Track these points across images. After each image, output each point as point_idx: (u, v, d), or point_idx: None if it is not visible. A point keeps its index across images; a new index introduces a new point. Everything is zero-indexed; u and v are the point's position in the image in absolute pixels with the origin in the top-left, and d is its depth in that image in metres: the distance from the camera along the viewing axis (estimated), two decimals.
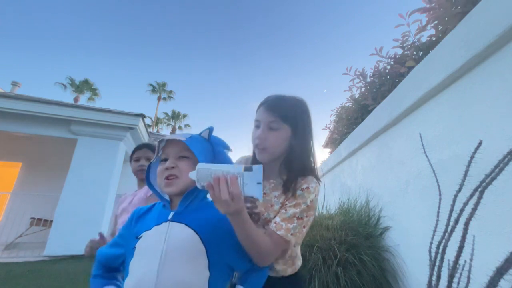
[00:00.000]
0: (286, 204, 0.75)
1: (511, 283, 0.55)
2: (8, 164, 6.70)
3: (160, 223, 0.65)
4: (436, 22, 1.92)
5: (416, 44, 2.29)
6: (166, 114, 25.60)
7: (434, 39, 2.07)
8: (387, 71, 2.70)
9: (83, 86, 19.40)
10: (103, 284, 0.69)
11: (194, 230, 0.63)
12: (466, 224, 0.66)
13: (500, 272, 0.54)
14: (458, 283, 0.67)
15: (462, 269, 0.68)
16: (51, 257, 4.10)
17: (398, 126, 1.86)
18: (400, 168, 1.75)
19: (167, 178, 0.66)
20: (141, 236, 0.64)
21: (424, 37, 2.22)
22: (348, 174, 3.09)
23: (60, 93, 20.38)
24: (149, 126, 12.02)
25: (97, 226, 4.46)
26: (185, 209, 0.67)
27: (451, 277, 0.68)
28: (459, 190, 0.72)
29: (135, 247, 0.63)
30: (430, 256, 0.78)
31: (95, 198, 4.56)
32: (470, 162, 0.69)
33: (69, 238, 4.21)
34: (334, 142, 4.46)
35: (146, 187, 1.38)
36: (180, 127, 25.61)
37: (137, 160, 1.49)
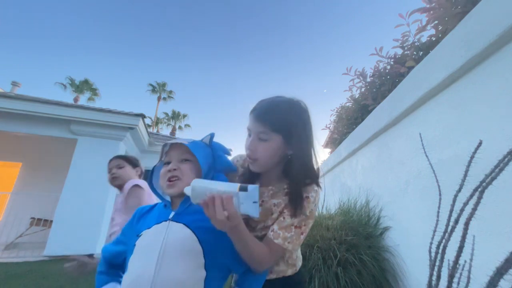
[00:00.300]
0: (284, 212, 0.73)
1: (511, 283, 0.55)
2: (8, 164, 6.70)
3: (160, 222, 0.66)
4: (436, 22, 1.92)
5: (416, 44, 2.29)
6: (166, 114, 25.60)
7: (434, 39, 2.07)
8: (387, 71, 2.71)
9: (83, 86, 19.39)
10: (107, 281, 0.71)
11: (192, 231, 0.64)
12: (466, 224, 0.66)
13: (500, 272, 0.54)
14: (458, 283, 0.67)
15: (462, 269, 0.68)
16: (51, 257, 4.10)
17: (398, 126, 1.86)
18: (400, 168, 1.75)
19: (169, 179, 0.69)
20: (142, 234, 0.66)
21: (424, 37, 2.22)
22: (348, 174, 3.09)
23: (60, 93, 20.36)
24: (149, 126, 12.02)
25: (97, 226, 4.46)
26: (185, 209, 0.69)
27: (451, 277, 0.68)
28: (459, 190, 0.72)
29: (135, 245, 0.65)
30: (430, 256, 0.78)
31: (95, 198, 4.56)
32: (470, 162, 0.69)
33: (69, 238, 4.21)
34: (334, 142, 4.46)
35: (125, 190, 1.48)
36: (180, 127, 25.60)
37: (109, 170, 1.67)
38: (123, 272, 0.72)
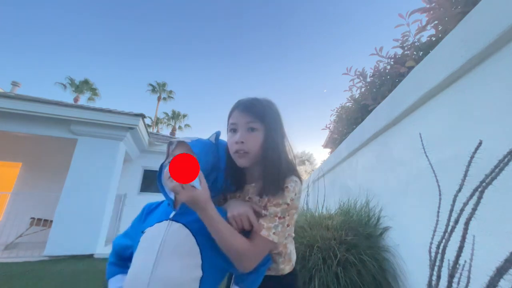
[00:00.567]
0: (267, 205, 0.74)
1: (511, 283, 0.55)
2: (8, 164, 6.70)
3: (162, 221, 0.69)
4: (436, 22, 1.92)
5: (416, 44, 2.29)
6: (166, 114, 25.59)
7: (434, 39, 2.07)
8: (387, 71, 2.71)
9: (83, 86, 19.38)
10: (116, 272, 0.76)
11: (190, 231, 0.66)
12: (466, 224, 0.66)
13: (500, 272, 0.54)
14: (458, 283, 0.67)
15: (462, 269, 0.68)
16: (51, 257, 4.10)
17: (398, 126, 1.86)
18: (400, 168, 1.75)
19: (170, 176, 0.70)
20: (145, 231, 0.69)
21: (424, 37, 2.22)
22: (348, 174, 3.09)
23: (60, 93, 20.35)
24: (149, 126, 12.03)
25: (97, 226, 4.46)
26: (186, 209, 0.70)
27: (451, 277, 0.68)
28: (459, 190, 0.72)
29: (139, 241, 0.68)
30: (430, 256, 0.78)
31: (95, 198, 4.56)
32: (470, 162, 0.69)
33: (69, 238, 4.22)
34: (334, 142, 4.47)
35: None
36: (180, 127, 25.59)
37: None
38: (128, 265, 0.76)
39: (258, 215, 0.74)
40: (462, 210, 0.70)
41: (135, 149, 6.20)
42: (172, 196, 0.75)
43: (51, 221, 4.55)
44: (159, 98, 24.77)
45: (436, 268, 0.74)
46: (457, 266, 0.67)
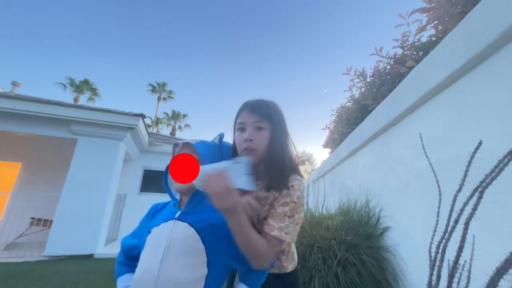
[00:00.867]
0: (274, 204, 0.75)
1: (511, 283, 0.55)
2: (8, 164, 6.70)
3: (168, 221, 0.71)
4: (436, 22, 1.92)
5: (416, 44, 2.29)
6: (166, 114, 25.59)
7: (434, 39, 2.07)
8: (387, 71, 2.71)
9: (83, 86, 19.37)
10: (124, 271, 0.78)
11: (196, 230, 0.67)
12: (466, 224, 0.66)
13: (500, 272, 0.54)
14: (458, 283, 0.67)
15: (462, 269, 0.68)
16: (51, 257, 4.10)
17: (398, 126, 1.86)
18: (400, 168, 1.75)
19: None
20: (152, 231, 0.71)
21: (424, 37, 2.22)
22: (348, 174, 3.09)
23: (60, 93, 20.34)
24: (149, 126, 12.03)
25: (97, 226, 4.46)
26: (191, 209, 0.72)
27: (451, 277, 0.68)
28: (459, 190, 0.72)
29: (146, 241, 0.70)
30: (430, 256, 0.78)
31: (95, 198, 4.56)
32: (470, 162, 0.69)
33: (69, 238, 4.22)
34: (334, 142, 4.47)
35: None
36: (180, 127, 25.59)
37: None
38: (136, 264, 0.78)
39: (258, 202, 0.76)
40: (462, 210, 0.70)
41: (135, 149, 6.20)
42: (177, 196, 0.77)
43: (51, 221, 4.55)
44: (159, 98, 24.77)
45: (436, 268, 0.74)
46: (457, 266, 0.67)
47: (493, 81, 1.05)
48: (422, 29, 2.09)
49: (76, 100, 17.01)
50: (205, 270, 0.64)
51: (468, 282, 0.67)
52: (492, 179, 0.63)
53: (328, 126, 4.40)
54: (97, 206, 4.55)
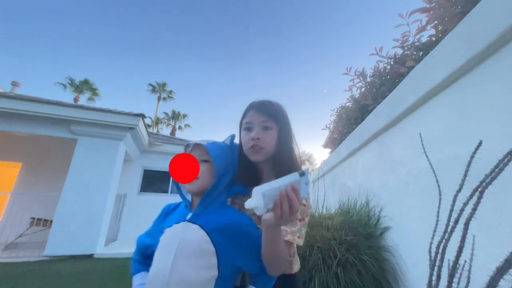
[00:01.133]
0: None
1: (511, 283, 0.55)
2: (8, 164, 6.70)
3: (179, 222, 0.71)
4: (436, 22, 1.92)
5: (416, 44, 2.29)
6: (166, 114, 25.58)
7: (434, 39, 2.07)
8: (387, 71, 2.71)
9: (83, 86, 19.37)
10: (140, 269, 0.79)
11: (206, 232, 0.68)
12: (466, 224, 0.66)
13: (500, 272, 0.54)
14: (458, 283, 0.67)
15: (462, 269, 0.68)
16: (51, 257, 4.10)
17: (398, 126, 1.86)
18: (400, 168, 1.75)
19: None
20: (165, 232, 0.72)
21: (424, 37, 2.22)
22: (348, 174, 3.09)
23: (60, 93, 20.30)
24: (149, 126, 12.03)
25: (97, 226, 4.46)
26: (202, 211, 0.72)
27: (451, 277, 0.68)
28: (459, 190, 0.72)
29: (159, 241, 0.71)
30: (430, 256, 0.78)
31: (95, 198, 4.56)
32: (470, 162, 0.69)
33: (69, 238, 4.21)
34: (334, 142, 4.47)
35: None
36: (180, 127, 25.58)
37: None
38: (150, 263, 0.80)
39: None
40: (462, 210, 0.69)
41: (135, 149, 6.20)
42: (189, 197, 0.78)
43: (51, 221, 4.55)
44: (159, 98, 24.77)
45: (436, 268, 0.74)
46: (457, 266, 0.67)
47: (493, 81, 1.05)
48: (422, 29, 2.09)
49: (76, 100, 17.02)
50: (215, 272, 0.64)
51: (468, 282, 0.67)
52: (492, 179, 0.63)
53: (328, 126, 4.40)
54: (97, 206, 4.55)
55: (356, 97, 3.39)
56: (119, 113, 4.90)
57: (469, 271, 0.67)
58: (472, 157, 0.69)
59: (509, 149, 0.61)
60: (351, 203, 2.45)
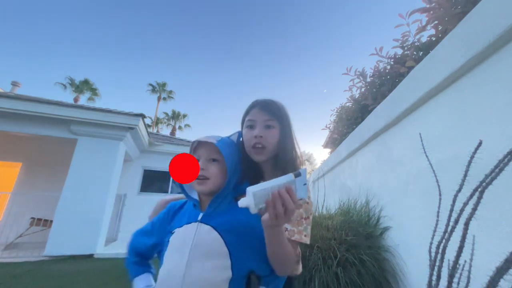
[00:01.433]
0: None
1: (511, 283, 0.55)
2: (8, 164, 6.70)
3: (190, 223, 0.70)
4: (436, 22, 1.92)
5: (416, 44, 2.29)
6: (166, 114, 25.59)
7: (434, 39, 2.07)
8: (387, 71, 2.71)
9: (83, 86, 19.38)
10: (141, 271, 0.77)
11: (219, 233, 0.67)
12: (466, 224, 0.66)
13: (500, 272, 0.54)
14: (458, 283, 0.67)
15: (462, 269, 0.68)
16: (51, 257, 4.10)
17: (398, 126, 1.86)
18: (400, 168, 1.75)
19: (198, 178, 0.72)
20: (174, 232, 0.71)
21: (424, 37, 2.22)
22: (348, 174, 3.09)
23: (60, 93, 20.33)
24: (149, 126, 12.03)
25: (97, 226, 4.46)
26: (213, 211, 0.71)
27: (451, 277, 0.68)
28: (459, 190, 0.72)
29: (169, 241, 0.70)
30: (430, 256, 0.78)
31: (95, 198, 4.56)
32: (470, 162, 0.69)
33: (69, 238, 4.22)
34: (334, 142, 4.47)
35: None
36: (180, 127, 25.58)
37: None
38: (152, 263, 0.80)
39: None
40: (462, 210, 0.69)
41: (135, 149, 6.20)
42: (195, 195, 0.76)
43: (51, 221, 4.55)
44: (159, 98, 24.77)
45: (436, 268, 0.74)
46: (457, 266, 0.67)
47: (493, 81, 1.05)
48: (422, 29, 2.09)
49: (76, 100, 17.03)
50: (229, 273, 0.64)
51: (468, 282, 0.67)
52: (492, 179, 0.63)
53: (328, 126, 4.40)
54: (97, 206, 4.55)
55: (356, 97, 3.39)
56: (119, 113, 4.90)
57: (469, 271, 0.67)
58: (472, 157, 0.69)
59: (509, 149, 0.61)
60: (351, 203, 2.45)
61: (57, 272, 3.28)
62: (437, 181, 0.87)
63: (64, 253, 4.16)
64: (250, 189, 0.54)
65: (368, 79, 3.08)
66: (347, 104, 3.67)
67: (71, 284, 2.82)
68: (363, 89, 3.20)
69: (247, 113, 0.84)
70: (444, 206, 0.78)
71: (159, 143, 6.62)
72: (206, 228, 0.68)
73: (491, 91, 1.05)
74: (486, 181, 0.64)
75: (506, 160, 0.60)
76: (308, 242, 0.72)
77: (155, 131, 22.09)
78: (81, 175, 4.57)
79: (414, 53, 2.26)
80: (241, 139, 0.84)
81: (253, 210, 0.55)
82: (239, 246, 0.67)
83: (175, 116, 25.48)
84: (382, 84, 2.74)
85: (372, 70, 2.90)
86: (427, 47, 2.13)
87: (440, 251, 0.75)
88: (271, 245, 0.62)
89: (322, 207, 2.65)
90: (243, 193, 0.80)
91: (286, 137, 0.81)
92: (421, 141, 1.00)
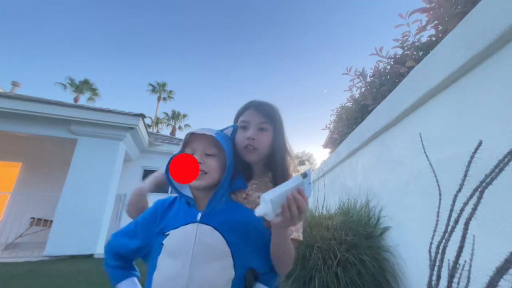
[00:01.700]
0: None
1: (511, 283, 0.55)
2: (8, 164, 6.70)
3: (188, 223, 0.66)
4: (436, 22, 1.92)
5: (416, 44, 2.29)
6: (166, 114, 25.60)
7: (434, 39, 2.07)
8: (387, 71, 2.71)
9: (83, 86, 19.39)
10: (125, 276, 0.70)
11: (221, 233, 0.65)
12: (466, 224, 0.66)
13: (500, 272, 0.54)
14: (458, 283, 0.67)
15: (462, 269, 0.68)
16: (51, 257, 4.10)
17: (398, 126, 1.86)
18: (400, 168, 1.75)
19: None
20: (168, 234, 0.66)
21: (424, 37, 2.22)
22: (348, 174, 3.09)
23: (60, 93, 20.34)
24: (149, 126, 12.02)
25: (97, 226, 4.46)
26: (212, 210, 0.69)
27: (451, 277, 0.68)
28: (459, 190, 0.72)
29: (162, 243, 0.65)
30: (430, 256, 0.78)
31: (95, 198, 4.56)
32: (470, 162, 0.69)
33: (69, 238, 4.22)
34: (334, 142, 4.47)
35: None
36: (180, 127, 25.59)
37: None
38: (134, 266, 0.75)
39: None
40: (462, 210, 0.69)
41: (135, 149, 6.20)
42: (188, 193, 0.71)
43: (51, 221, 4.55)
44: (159, 98, 24.78)
45: (436, 268, 0.74)
46: (457, 266, 0.67)
47: (493, 81, 1.05)
48: (422, 29, 2.09)
49: (76, 100, 17.03)
50: (232, 273, 0.63)
51: (468, 282, 0.67)
52: (492, 179, 0.63)
53: (328, 126, 4.40)
54: (97, 206, 4.55)
55: (356, 97, 3.39)
56: (119, 113, 4.91)
57: (469, 271, 0.67)
58: (472, 157, 0.69)
59: (509, 149, 0.61)
60: (351, 203, 2.45)
61: (57, 272, 3.28)
62: (437, 181, 0.87)
63: (64, 253, 4.16)
64: (267, 197, 0.54)
65: (368, 79, 3.08)
66: (347, 104, 3.67)
67: (71, 284, 2.82)
68: (363, 89, 3.20)
69: (241, 113, 0.83)
70: (444, 206, 0.78)
71: (159, 143, 6.63)
72: (206, 228, 0.65)
73: (491, 91, 1.05)
74: (486, 181, 0.64)
75: (506, 160, 0.60)
76: (302, 239, 0.73)
77: (155, 131, 22.09)
78: (81, 175, 4.58)
79: (414, 53, 2.26)
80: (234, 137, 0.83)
81: (271, 217, 0.54)
82: (240, 244, 0.66)
83: (175, 116, 25.49)
84: (382, 84, 2.74)
85: (372, 70, 2.90)
86: (427, 47, 2.13)
87: (440, 251, 0.75)
88: (280, 246, 0.63)
89: (322, 207, 2.65)
90: (237, 190, 0.81)
91: (279, 141, 0.81)
92: (421, 141, 1.00)
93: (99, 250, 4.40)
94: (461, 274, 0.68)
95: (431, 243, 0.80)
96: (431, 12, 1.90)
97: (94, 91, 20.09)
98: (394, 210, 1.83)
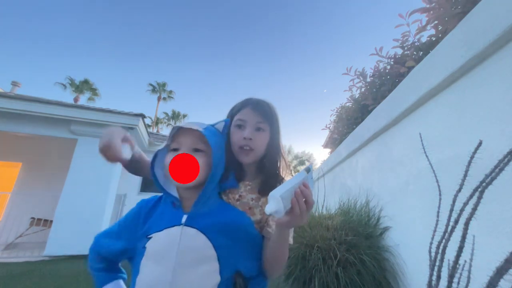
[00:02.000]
0: None
1: (511, 283, 0.55)
2: (8, 164, 6.70)
3: (172, 226, 0.63)
4: (436, 22, 1.92)
5: (416, 44, 2.29)
6: (166, 114, 25.61)
7: (434, 39, 2.07)
8: (387, 71, 2.71)
9: (83, 86, 19.39)
10: (110, 279, 0.68)
11: (207, 236, 0.62)
12: (466, 224, 0.66)
13: (500, 272, 0.54)
14: (458, 283, 0.67)
15: (462, 269, 0.68)
16: (51, 257, 4.10)
17: (398, 126, 1.86)
18: (400, 168, 1.75)
19: None
20: (152, 237, 0.63)
21: (424, 37, 2.22)
22: (348, 174, 3.09)
23: (60, 93, 20.32)
24: (149, 126, 12.01)
25: (97, 226, 4.46)
26: (197, 212, 0.65)
27: (451, 277, 0.68)
28: (459, 190, 0.72)
29: (145, 247, 0.62)
30: (430, 256, 0.78)
31: (95, 198, 4.56)
32: (470, 162, 0.69)
33: (69, 238, 4.21)
34: (334, 142, 4.47)
35: None
36: None
37: None
38: (120, 268, 0.73)
39: None
40: (462, 210, 0.70)
41: None
42: (174, 193, 0.68)
43: (51, 221, 4.55)
44: (159, 98, 24.78)
45: (436, 268, 0.74)
46: (457, 266, 0.67)
47: (493, 81, 1.05)
48: (422, 29, 2.09)
49: (76, 100, 17.03)
50: (218, 278, 0.60)
51: (468, 282, 0.67)
52: (492, 179, 0.63)
53: (328, 126, 4.40)
54: (97, 206, 4.55)
55: (356, 97, 3.39)
56: (119, 113, 4.90)
57: (469, 271, 0.67)
58: (472, 157, 0.69)
59: (509, 149, 0.61)
60: (351, 203, 2.45)
61: (57, 272, 3.28)
62: (437, 181, 0.87)
63: (64, 253, 4.16)
64: (276, 194, 0.53)
65: (368, 79, 3.08)
66: (347, 104, 3.68)
67: (71, 284, 2.82)
68: (363, 89, 3.20)
69: (237, 111, 0.79)
70: (444, 206, 0.78)
71: (159, 143, 6.62)
72: (192, 231, 0.62)
73: (491, 91, 1.05)
74: (486, 181, 0.64)
75: (506, 160, 0.60)
76: (292, 242, 0.71)
77: (155, 131, 22.09)
78: (81, 175, 4.57)
79: (414, 53, 2.27)
80: (226, 132, 0.78)
81: (281, 214, 0.53)
82: (227, 247, 0.63)
83: (175, 116, 25.49)
84: (382, 84, 2.74)
85: (372, 70, 2.90)
86: (427, 47, 2.13)
87: (440, 251, 0.75)
88: (280, 247, 0.62)
89: (322, 207, 2.65)
90: (226, 189, 0.78)
91: (275, 141, 0.79)
92: (421, 141, 1.00)
93: None
94: (461, 274, 0.68)
95: (431, 243, 0.80)
96: (431, 12, 1.90)
97: (94, 91, 20.09)
98: (394, 210, 1.83)
